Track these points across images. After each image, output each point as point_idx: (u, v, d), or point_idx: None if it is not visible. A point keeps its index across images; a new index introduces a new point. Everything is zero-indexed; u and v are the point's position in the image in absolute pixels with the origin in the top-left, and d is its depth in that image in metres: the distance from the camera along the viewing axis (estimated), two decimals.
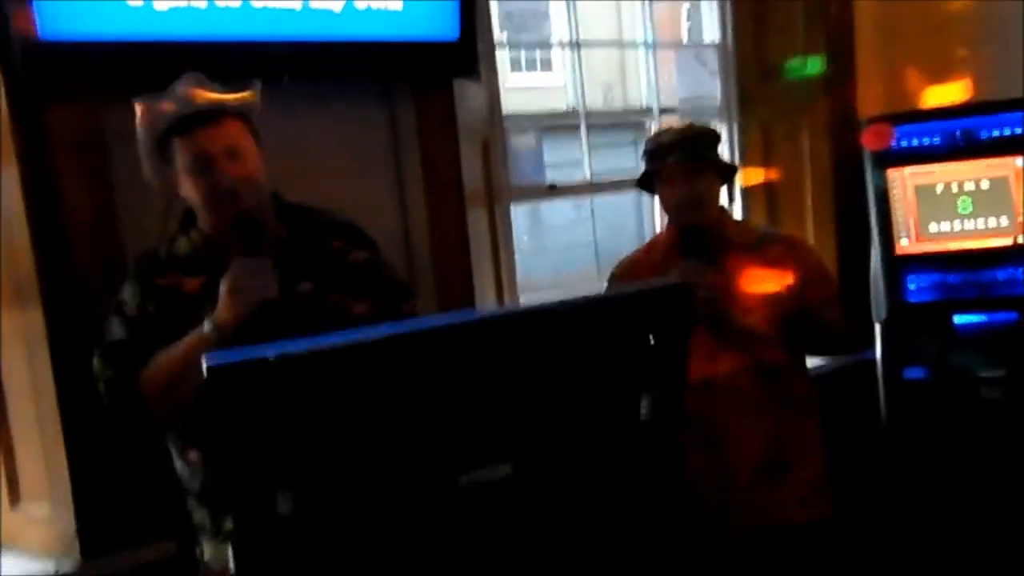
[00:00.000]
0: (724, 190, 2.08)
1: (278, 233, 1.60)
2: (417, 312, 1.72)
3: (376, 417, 0.89)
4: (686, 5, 3.49)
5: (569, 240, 13.03)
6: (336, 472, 0.89)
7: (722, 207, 2.08)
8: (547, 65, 10.90)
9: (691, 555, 1.06)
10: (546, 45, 2.95)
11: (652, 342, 0.97)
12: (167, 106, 1.52)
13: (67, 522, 1.97)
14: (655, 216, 3.22)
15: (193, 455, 1.62)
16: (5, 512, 2.08)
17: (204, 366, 0.84)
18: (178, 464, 1.65)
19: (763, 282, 2.01)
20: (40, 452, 2.00)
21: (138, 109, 1.55)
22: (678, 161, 1.96)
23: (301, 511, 0.84)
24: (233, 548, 0.88)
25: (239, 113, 1.56)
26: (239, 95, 1.56)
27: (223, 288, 1.47)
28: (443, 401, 0.90)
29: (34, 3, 1.72)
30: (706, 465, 1.95)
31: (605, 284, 2.31)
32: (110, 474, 1.93)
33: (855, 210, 2.92)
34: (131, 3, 1.83)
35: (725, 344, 1.95)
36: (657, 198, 2.10)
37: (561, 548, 0.98)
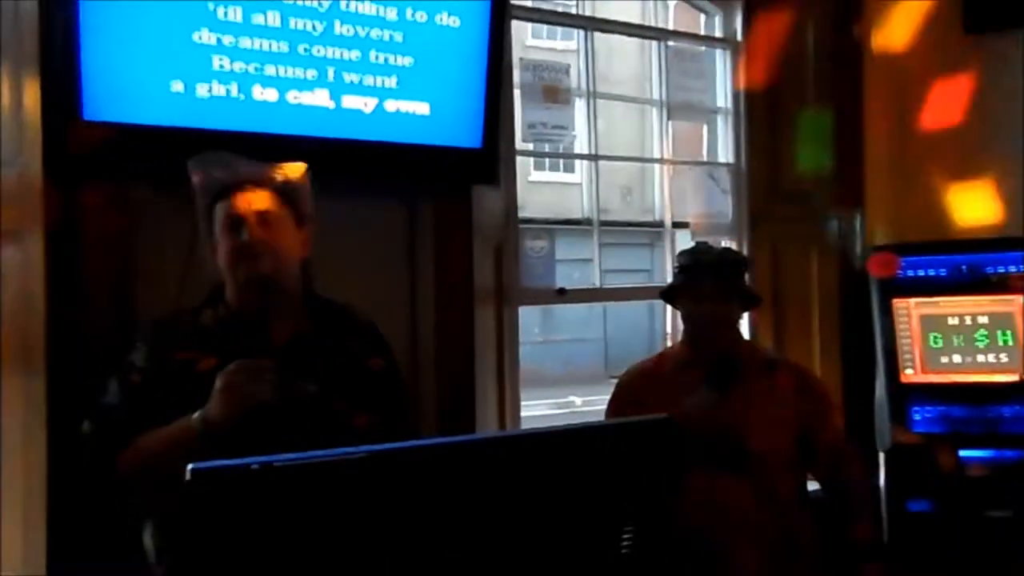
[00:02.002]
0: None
1: (303, 327, 1.61)
2: (417, 429, 1.72)
3: (353, 533, 0.89)
4: (706, 125, 3.61)
5: (579, 335, 13.07)
6: None
7: (737, 331, 2.14)
8: (569, 166, 11.20)
9: None
10: (567, 156, 3.06)
11: (637, 475, 0.98)
12: (217, 173, 1.59)
13: None
14: (667, 320, 3.25)
15: (159, 541, 1.60)
16: None
17: (188, 469, 0.85)
18: (148, 544, 1.64)
19: (772, 407, 2.04)
20: (21, 526, 1.98)
21: (193, 175, 1.62)
22: (712, 283, 2.01)
23: None
24: None
25: (281, 189, 1.61)
26: (283, 170, 1.63)
27: (218, 384, 1.46)
28: (422, 523, 0.90)
29: (81, 84, 1.81)
30: None
31: (611, 383, 2.35)
32: (86, 552, 1.90)
33: (861, 336, 2.93)
34: (173, 89, 1.92)
35: (728, 468, 1.96)
36: (679, 312, 2.16)
37: None
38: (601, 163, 3.02)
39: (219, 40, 1.94)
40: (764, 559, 1.98)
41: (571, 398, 10.91)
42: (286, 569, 0.86)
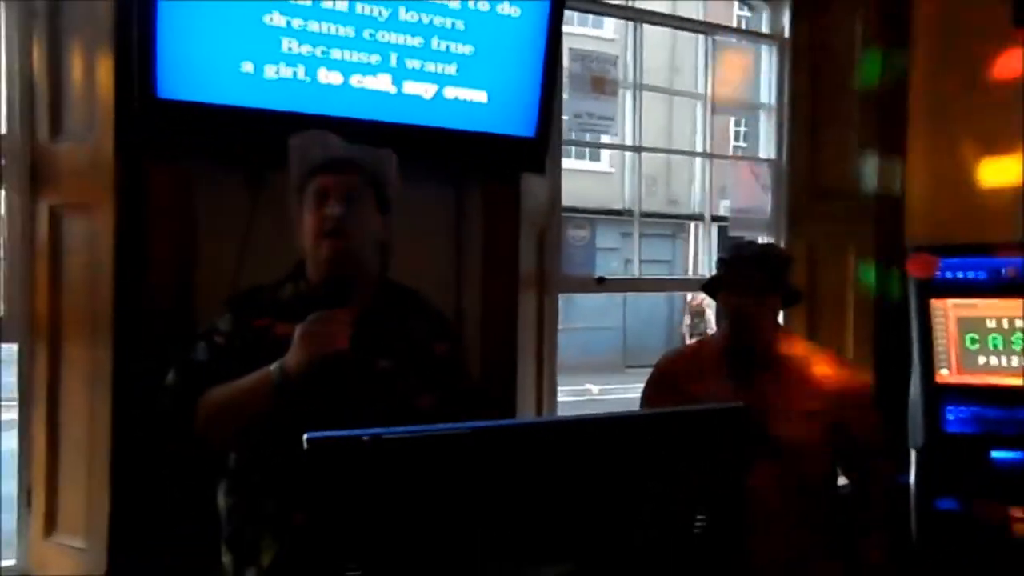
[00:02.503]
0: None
1: (373, 308, 1.66)
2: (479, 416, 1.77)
3: (453, 502, 0.94)
4: (733, 118, 3.64)
5: (597, 323, 13.11)
6: (405, 555, 0.94)
7: (776, 324, 2.17)
8: (595, 155, 11.21)
9: None
10: (614, 148, 3.09)
11: (710, 461, 1.02)
12: (313, 150, 1.65)
13: (99, 559, 2.00)
14: (686, 312, 3.29)
15: (231, 500, 1.67)
16: (39, 542, 2.12)
17: (304, 438, 0.91)
18: (221, 503, 1.70)
19: (804, 398, 2.07)
20: (84, 487, 2.05)
21: (292, 151, 1.68)
22: (753, 277, 2.05)
23: None
24: None
25: (368, 171, 1.67)
26: (374, 155, 1.69)
27: (297, 332, 1.52)
28: (512, 496, 0.96)
29: (156, 62, 1.87)
30: None
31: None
32: (148, 517, 1.97)
33: (896, 336, 2.95)
34: (243, 69, 1.97)
35: (757, 456, 2.00)
36: (716, 303, 2.20)
37: None
38: (628, 153, 3.05)
39: (288, 23, 1.99)
40: (787, 546, 2.02)
41: (588, 386, 10.97)
42: (391, 532, 0.91)
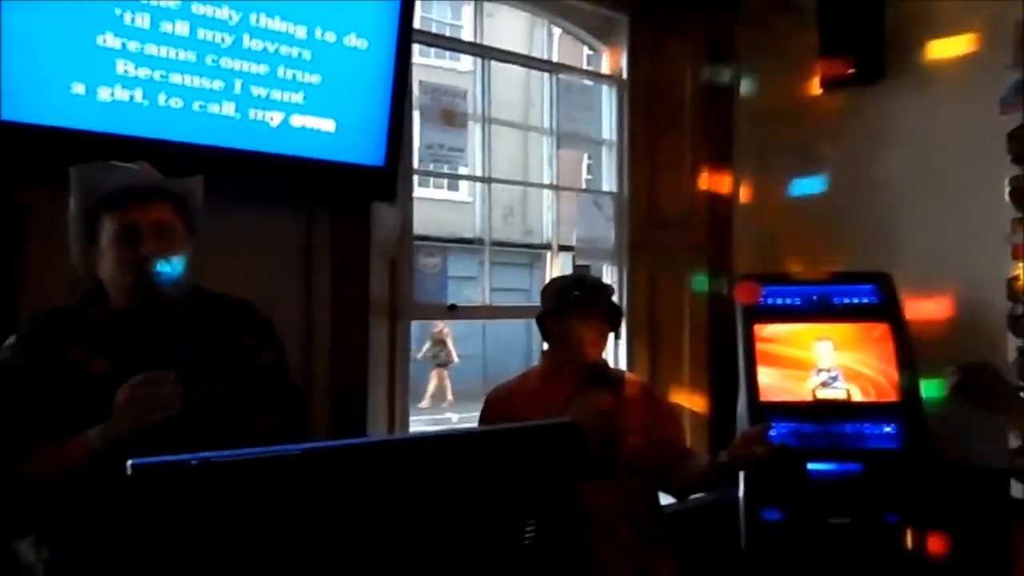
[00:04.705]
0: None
1: (191, 325, 1.59)
2: (308, 418, 1.76)
3: (286, 526, 0.95)
4: (586, 154, 3.84)
5: (457, 350, 13.15)
6: None
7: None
8: (453, 184, 11.33)
9: None
10: (461, 178, 3.15)
11: (540, 473, 1.09)
12: (103, 178, 1.54)
13: None
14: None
15: (44, 552, 1.55)
16: None
17: (129, 464, 0.89)
18: (30, 556, 1.56)
19: (626, 417, 2.21)
20: None
21: (73, 177, 1.55)
22: (599, 305, 2.17)
23: None
24: None
25: (175, 197, 1.59)
26: (178, 180, 1.60)
27: (120, 398, 1.41)
28: (346, 515, 0.98)
29: None
30: None
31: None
32: None
33: (727, 357, 3.18)
34: (74, 90, 1.89)
35: (596, 474, 2.10)
36: (545, 339, 2.29)
37: None
38: (490, 188, 3.15)
39: (124, 45, 1.93)
40: (632, 561, 2.13)
41: (448, 415, 10.97)
42: (222, 560, 0.91)
